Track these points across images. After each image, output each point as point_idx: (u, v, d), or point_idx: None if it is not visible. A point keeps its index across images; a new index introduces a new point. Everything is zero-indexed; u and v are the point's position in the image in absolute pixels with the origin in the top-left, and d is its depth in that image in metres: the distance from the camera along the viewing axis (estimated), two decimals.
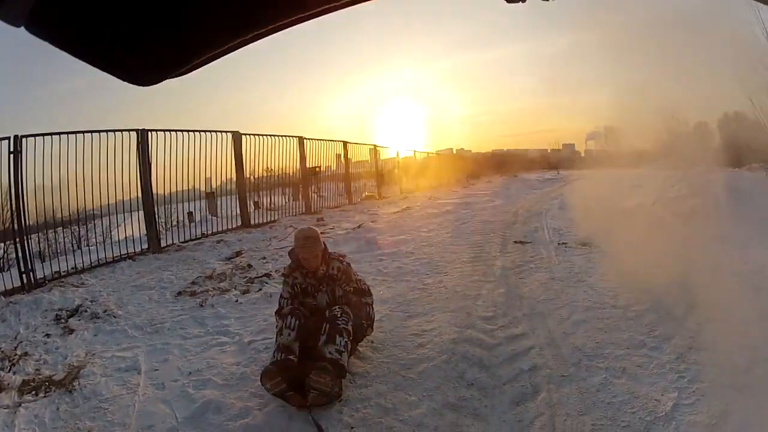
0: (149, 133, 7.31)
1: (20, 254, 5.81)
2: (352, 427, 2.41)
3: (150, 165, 7.32)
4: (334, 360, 2.76)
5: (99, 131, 6.79)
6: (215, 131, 8.38)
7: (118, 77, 0.70)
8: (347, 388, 2.76)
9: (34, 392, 3.55)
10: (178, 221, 8.36)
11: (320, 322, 3.00)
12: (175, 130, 7.75)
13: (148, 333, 4.32)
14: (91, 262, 6.53)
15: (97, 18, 0.64)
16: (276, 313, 3.33)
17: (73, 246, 7.93)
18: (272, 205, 10.01)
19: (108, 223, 7.80)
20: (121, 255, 6.79)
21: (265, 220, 9.03)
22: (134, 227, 7.68)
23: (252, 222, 8.79)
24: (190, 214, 9.08)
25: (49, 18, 0.60)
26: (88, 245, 7.73)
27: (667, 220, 6.43)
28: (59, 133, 6.34)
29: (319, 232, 3.29)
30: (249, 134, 8.99)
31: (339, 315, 3.00)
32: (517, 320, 3.49)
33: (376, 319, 3.34)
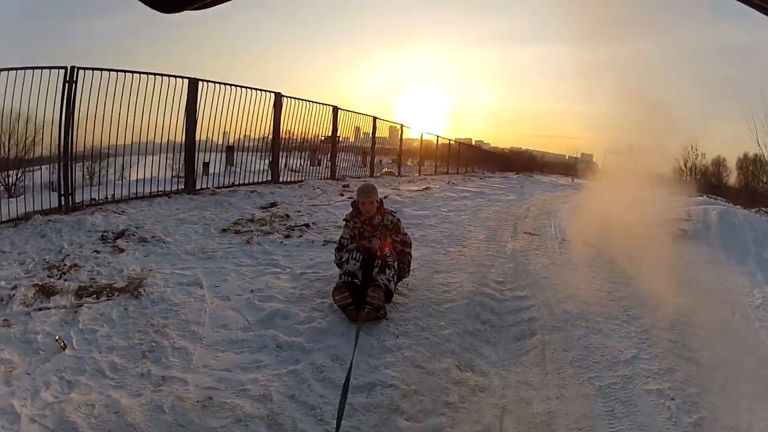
0: (199, 82, 7.98)
1: (62, 177, 6.47)
2: (397, 336, 3.40)
3: (196, 112, 8.02)
4: (385, 284, 3.72)
5: (153, 74, 7.38)
6: (260, 89, 9.16)
7: (146, 4, 0.72)
8: (391, 312, 3.74)
9: (94, 296, 4.09)
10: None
11: (372, 259, 3.93)
12: (224, 83, 8.47)
13: (201, 258, 5.00)
14: (129, 194, 7.22)
15: None
16: (337, 250, 4.27)
17: (109, 177, 8.74)
18: (293, 167, 10.84)
19: (141, 161, 8.31)
20: (158, 191, 7.55)
21: (291, 179, 9.88)
22: (159, 168, 8.04)
23: (281, 179, 9.61)
24: (206, 164, 9.53)
25: None
26: (124, 179, 8.42)
27: (661, 238, 7.42)
28: (116, 70, 6.89)
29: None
30: (289, 97, 9.76)
31: (388, 255, 3.94)
32: (521, 287, 4.52)
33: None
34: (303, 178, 10.29)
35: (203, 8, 0.80)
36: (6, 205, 5.92)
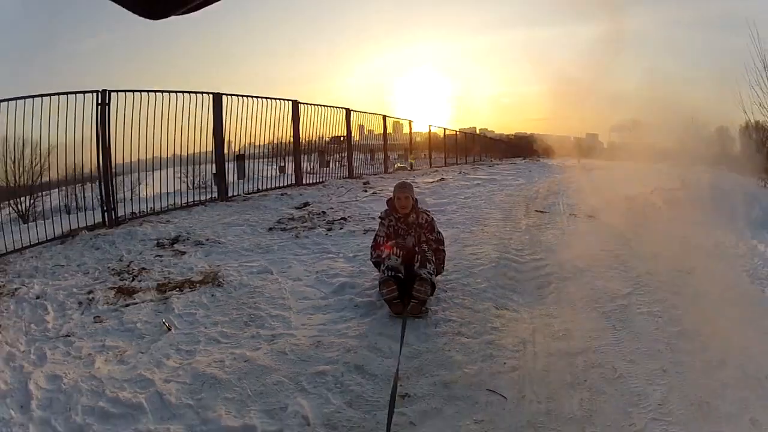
0: (223, 96, 9.04)
1: (103, 195, 7.23)
2: (446, 291, 4.57)
3: (222, 124, 9.07)
4: (429, 277, 4.21)
5: (179, 92, 8.34)
6: (278, 99, 10.31)
7: (125, 7, 0.78)
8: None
9: (177, 289, 4.82)
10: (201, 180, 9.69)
11: (411, 255, 4.40)
12: (245, 96, 9.61)
13: (260, 253, 5.99)
14: (167, 206, 8.24)
15: None
16: (373, 248, 4.69)
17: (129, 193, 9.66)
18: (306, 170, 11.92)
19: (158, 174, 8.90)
20: (195, 201, 8.65)
21: (313, 181, 11.04)
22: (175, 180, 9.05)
23: (304, 181, 10.78)
24: (215, 174, 10.02)
25: None
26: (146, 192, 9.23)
27: (658, 205, 8.63)
28: (146, 91, 7.80)
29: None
30: (305, 103, 10.97)
31: (426, 250, 4.40)
32: (537, 252, 5.75)
33: None
34: (323, 179, 11.40)
35: (188, 12, 0.87)
36: (51, 224, 6.65)
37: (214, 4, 0.83)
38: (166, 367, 3.50)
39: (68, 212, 7.77)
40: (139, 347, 3.82)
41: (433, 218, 4.80)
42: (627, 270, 5.19)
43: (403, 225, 4.66)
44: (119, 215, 7.46)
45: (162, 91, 8.08)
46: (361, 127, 15.37)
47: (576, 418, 2.80)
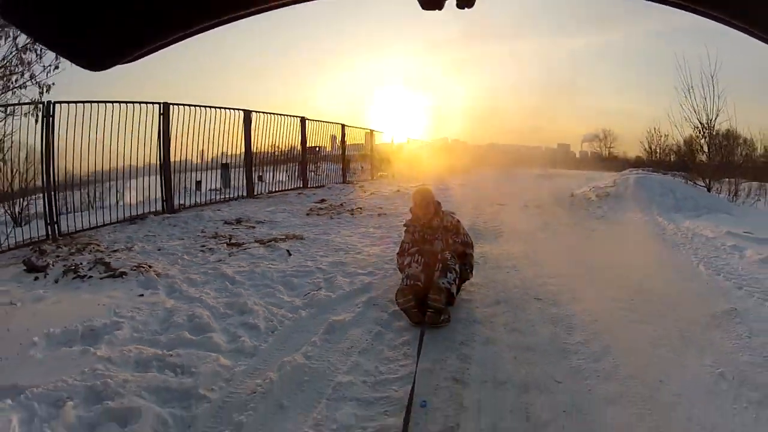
0: (252, 113, 13.40)
1: (164, 188, 10.33)
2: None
3: (251, 136, 13.43)
4: (446, 287, 4.69)
5: (218, 107, 12.20)
6: (289, 115, 14.98)
7: (74, 62, 0.92)
8: None
9: (273, 242, 7.88)
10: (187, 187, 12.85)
11: (434, 262, 4.98)
12: (268, 113, 14.09)
13: (310, 226, 10.12)
14: (209, 200, 12.17)
15: (54, 3, 0.85)
16: (399, 254, 5.55)
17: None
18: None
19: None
20: (232, 196, 12.83)
21: (315, 185, 15.60)
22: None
23: (309, 185, 15.33)
24: (198, 183, 13.02)
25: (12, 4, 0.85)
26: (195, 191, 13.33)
27: (592, 199, 13.58)
28: (197, 106, 11.39)
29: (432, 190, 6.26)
30: (310, 119, 15.76)
31: (449, 258, 4.92)
32: (496, 224, 10.90)
33: None
34: (323, 184, 15.96)
35: (132, 61, 0.99)
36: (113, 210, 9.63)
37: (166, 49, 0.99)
38: (309, 262, 7.14)
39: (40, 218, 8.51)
40: (279, 263, 6.93)
41: (458, 221, 5.60)
42: (550, 229, 10.15)
43: (428, 230, 5.38)
44: (175, 205, 10.55)
45: (206, 107, 11.77)
46: (333, 138, 19.43)
47: (510, 266, 7.59)
